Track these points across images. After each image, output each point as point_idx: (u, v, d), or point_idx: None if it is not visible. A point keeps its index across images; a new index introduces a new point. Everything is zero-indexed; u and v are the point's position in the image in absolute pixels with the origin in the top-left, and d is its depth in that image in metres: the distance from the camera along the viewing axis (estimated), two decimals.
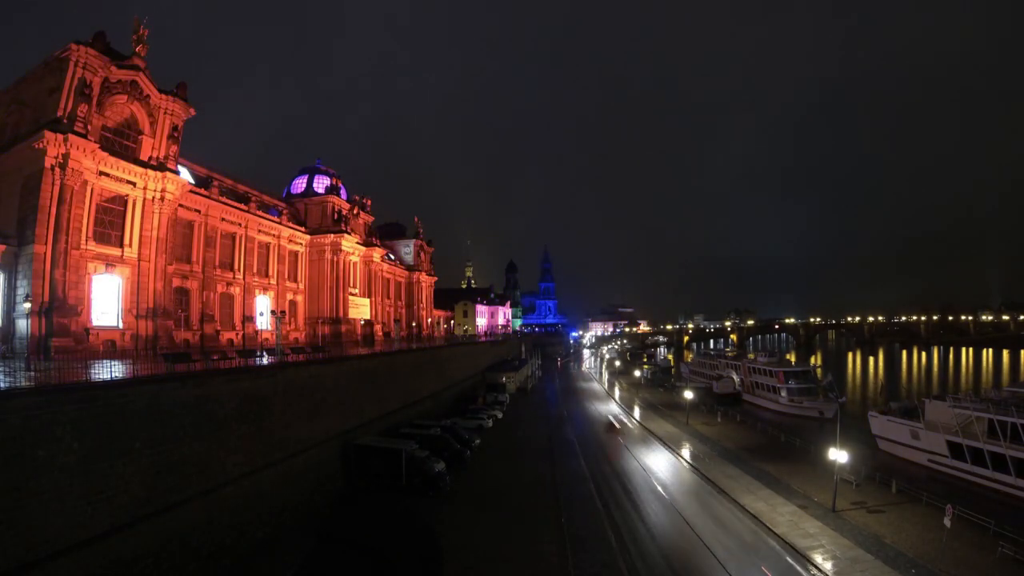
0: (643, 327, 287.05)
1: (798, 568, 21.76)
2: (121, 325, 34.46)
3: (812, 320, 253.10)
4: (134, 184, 35.31)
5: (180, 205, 39.98)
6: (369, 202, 72.61)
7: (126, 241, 34.94)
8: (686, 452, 40.63)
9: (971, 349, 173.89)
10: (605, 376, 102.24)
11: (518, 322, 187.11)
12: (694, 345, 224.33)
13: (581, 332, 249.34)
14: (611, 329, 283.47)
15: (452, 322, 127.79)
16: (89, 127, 31.45)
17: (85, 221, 31.90)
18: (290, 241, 57.32)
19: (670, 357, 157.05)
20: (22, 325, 29.12)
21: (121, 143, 35.50)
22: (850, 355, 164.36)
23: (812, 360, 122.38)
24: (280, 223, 55.41)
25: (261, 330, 50.50)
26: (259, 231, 52.03)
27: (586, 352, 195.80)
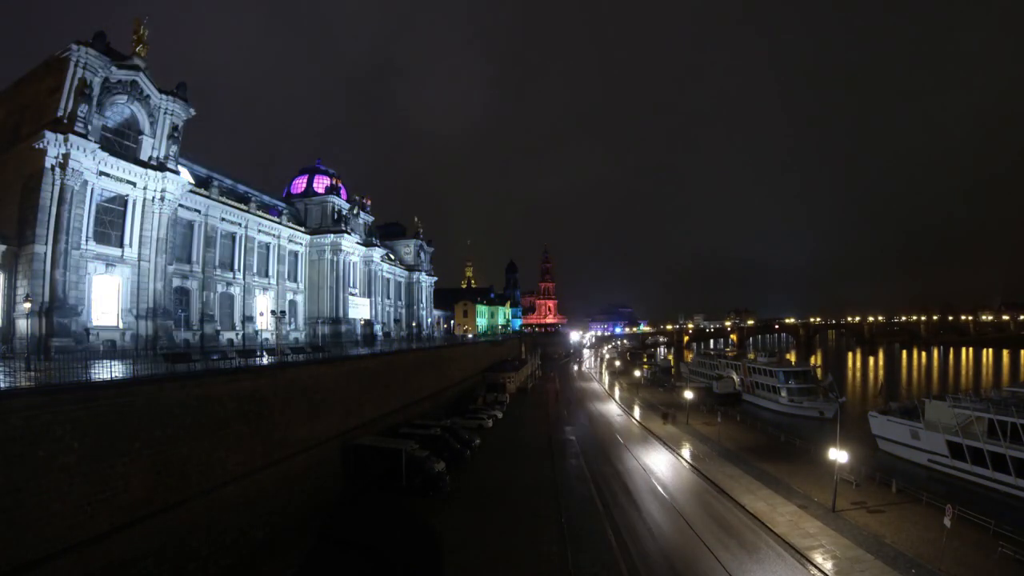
0: (644, 327, 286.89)
1: (798, 568, 21.75)
2: (121, 325, 34.45)
3: (812, 320, 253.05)
4: (134, 184, 35.31)
5: (180, 205, 39.97)
6: (369, 202, 72.61)
7: (126, 241, 34.94)
8: (686, 452, 40.62)
9: (971, 349, 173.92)
10: (605, 376, 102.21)
11: (518, 322, 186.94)
12: (694, 345, 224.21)
13: (581, 332, 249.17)
14: (611, 329, 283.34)
15: (452, 322, 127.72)
16: (89, 127, 31.45)
17: (85, 221, 31.90)
18: (290, 241, 57.31)
19: (670, 357, 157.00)
20: (22, 325, 29.11)
21: (121, 143, 35.50)
22: (850, 355, 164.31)
23: (812, 360, 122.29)
24: (280, 223, 55.40)
25: (261, 330, 50.51)
26: (259, 231, 52.02)
27: (586, 352, 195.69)
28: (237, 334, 47.77)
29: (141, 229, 35.80)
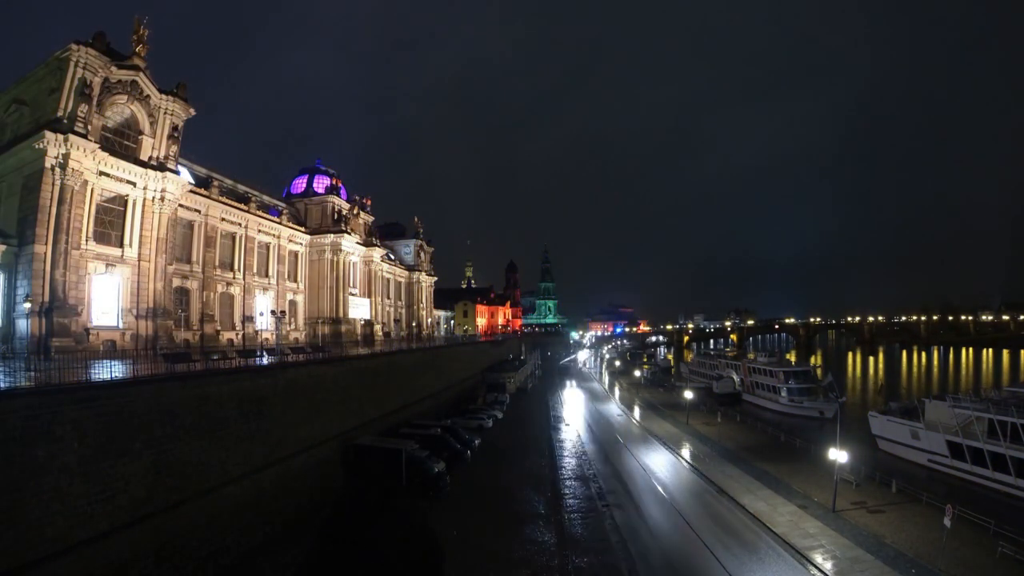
0: (643, 327, 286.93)
1: (798, 568, 21.75)
2: (121, 325, 34.47)
3: (812, 320, 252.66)
4: (134, 184, 35.32)
5: (180, 205, 39.98)
6: (369, 202, 72.62)
7: (126, 241, 34.94)
8: (686, 452, 40.62)
9: (971, 349, 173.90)
10: (605, 376, 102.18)
11: (518, 322, 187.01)
12: (694, 345, 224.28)
13: (581, 332, 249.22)
14: (611, 329, 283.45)
15: (452, 322, 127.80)
16: (89, 127, 31.47)
17: (85, 221, 31.91)
18: (290, 241, 57.33)
19: (670, 357, 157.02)
20: (22, 325, 29.13)
21: (121, 143, 35.51)
22: (850, 355, 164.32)
23: (812, 360, 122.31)
24: (280, 223, 55.42)
25: (261, 330, 50.51)
26: (259, 231, 52.03)
27: (586, 352, 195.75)
28: (237, 334, 47.77)
29: (141, 229, 35.80)
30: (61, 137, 29.66)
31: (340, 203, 63.51)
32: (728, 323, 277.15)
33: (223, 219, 46.96)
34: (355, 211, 67.13)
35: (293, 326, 57.11)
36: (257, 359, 29.98)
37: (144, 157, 36.36)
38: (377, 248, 72.61)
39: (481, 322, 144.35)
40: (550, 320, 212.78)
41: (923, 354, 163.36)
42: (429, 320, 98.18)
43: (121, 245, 34.71)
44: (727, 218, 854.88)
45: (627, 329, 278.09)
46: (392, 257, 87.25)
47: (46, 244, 29.55)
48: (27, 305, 28.04)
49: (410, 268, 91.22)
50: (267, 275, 53.71)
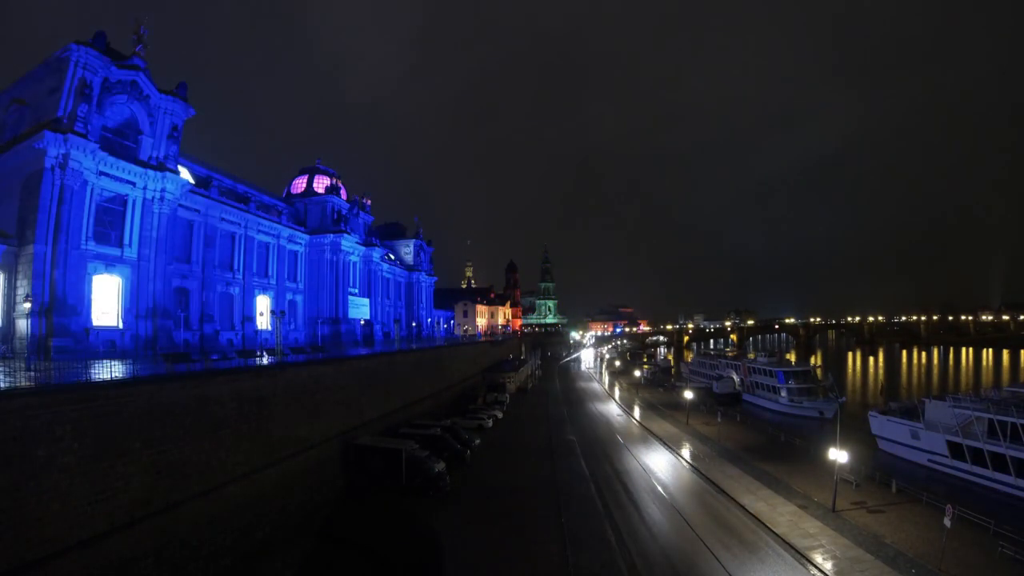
0: (643, 327, 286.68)
1: (798, 568, 21.74)
2: (121, 325, 34.46)
3: (812, 320, 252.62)
4: (134, 184, 35.32)
5: (180, 205, 39.96)
6: (369, 202, 72.60)
7: (126, 241, 34.95)
8: (686, 452, 40.60)
9: (971, 349, 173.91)
10: (605, 376, 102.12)
11: (518, 322, 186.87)
12: (694, 345, 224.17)
13: (581, 332, 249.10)
14: (611, 329, 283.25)
15: (452, 322, 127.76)
16: (89, 127, 31.46)
17: (85, 221, 31.92)
18: (290, 241, 57.32)
19: (670, 357, 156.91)
20: (22, 325, 29.12)
21: (121, 143, 35.50)
22: (850, 355, 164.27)
23: (812, 360, 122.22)
24: (280, 223, 55.39)
25: (261, 330, 50.49)
26: (259, 231, 52.01)
27: (586, 352, 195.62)
28: (237, 334, 47.75)
29: (141, 229, 35.81)
30: (61, 137, 29.67)
31: (340, 203, 63.50)
32: (728, 323, 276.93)
33: (223, 219, 46.94)
34: (355, 211, 67.12)
35: (293, 326, 57.10)
36: (257, 359, 29.97)
37: (144, 157, 36.35)
38: (377, 248, 72.62)
39: (481, 322, 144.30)
40: (550, 320, 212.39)
41: (923, 354, 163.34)
42: (429, 320, 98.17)
43: (121, 245, 34.71)
44: (728, 218, 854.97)
45: (627, 329, 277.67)
46: (392, 257, 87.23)
47: (46, 244, 29.56)
48: (27, 305, 28.02)
49: (410, 268, 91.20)
50: (267, 275, 53.69)
